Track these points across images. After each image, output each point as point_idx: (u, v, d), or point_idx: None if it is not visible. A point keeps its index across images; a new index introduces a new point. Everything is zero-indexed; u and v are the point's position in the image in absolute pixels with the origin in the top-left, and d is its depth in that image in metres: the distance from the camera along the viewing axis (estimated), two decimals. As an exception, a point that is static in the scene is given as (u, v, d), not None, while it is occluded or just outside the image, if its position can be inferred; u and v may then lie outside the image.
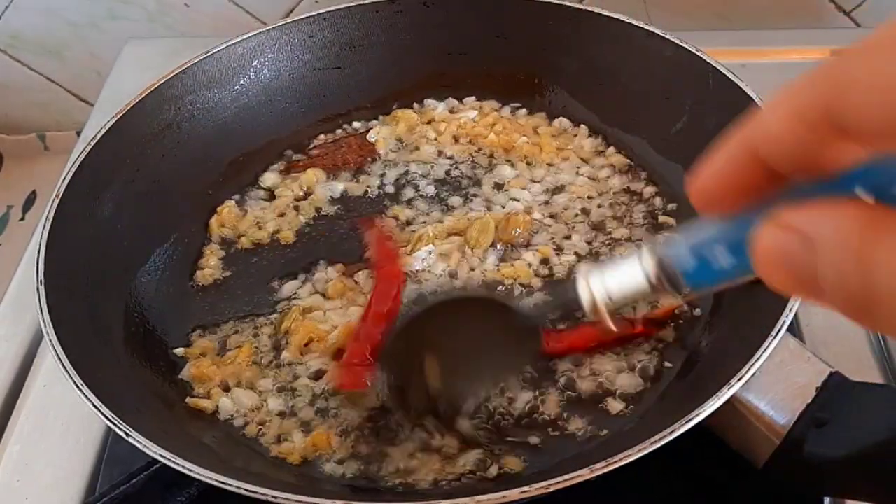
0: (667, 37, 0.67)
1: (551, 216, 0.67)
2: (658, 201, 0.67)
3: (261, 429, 0.55)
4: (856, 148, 0.22)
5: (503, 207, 0.68)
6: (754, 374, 0.46)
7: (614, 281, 0.32)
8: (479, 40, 0.75)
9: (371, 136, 0.75)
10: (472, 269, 0.63)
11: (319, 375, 0.57)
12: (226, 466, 0.47)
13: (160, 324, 0.62)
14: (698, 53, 0.65)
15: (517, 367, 0.52)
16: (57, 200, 0.59)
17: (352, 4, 0.75)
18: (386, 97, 0.77)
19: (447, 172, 0.71)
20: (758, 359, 0.46)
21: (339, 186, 0.71)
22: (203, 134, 0.71)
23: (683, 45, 0.66)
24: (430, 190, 0.70)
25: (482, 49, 0.76)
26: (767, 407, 0.48)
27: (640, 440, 0.44)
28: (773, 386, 0.48)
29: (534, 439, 0.53)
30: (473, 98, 0.77)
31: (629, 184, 0.69)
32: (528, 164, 0.71)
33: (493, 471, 0.51)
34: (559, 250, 0.64)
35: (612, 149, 0.72)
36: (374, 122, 0.76)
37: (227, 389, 0.57)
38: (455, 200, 0.69)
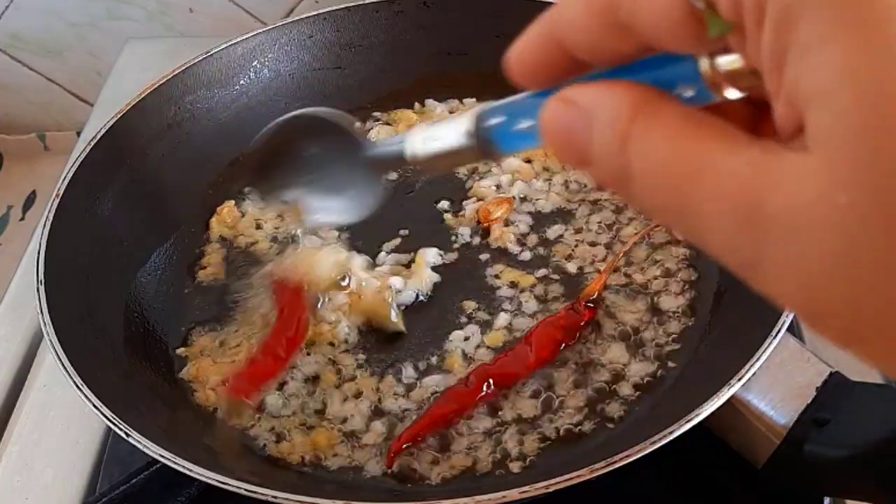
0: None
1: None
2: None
3: (261, 429, 0.55)
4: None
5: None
6: (754, 374, 0.46)
7: (436, 133, 0.34)
8: (479, 40, 0.75)
9: (371, 137, 0.75)
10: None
11: (318, 376, 0.57)
12: (225, 466, 0.47)
13: (160, 323, 0.62)
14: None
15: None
16: (57, 200, 0.59)
17: (352, 5, 0.75)
18: (386, 97, 0.77)
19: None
20: (758, 359, 0.46)
21: (339, 186, 0.71)
22: (203, 134, 0.71)
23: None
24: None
25: (482, 49, 0.75)
26: (767, 407, 0.48)
27: (639, 440, 0.44)
28: (773, 386, 0.48)
29: (535, 440, 0.53)
30: (473, 99, 0.77)
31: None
32: (528, 161, 0.71)
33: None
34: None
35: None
36: (374, 122, 0.76)
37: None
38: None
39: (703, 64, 0.22)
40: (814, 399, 0.48)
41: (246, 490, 0.43)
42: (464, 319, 0.60)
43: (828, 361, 0.49)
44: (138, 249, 0.64)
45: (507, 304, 0.60)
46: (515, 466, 0.52)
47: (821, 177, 0.18)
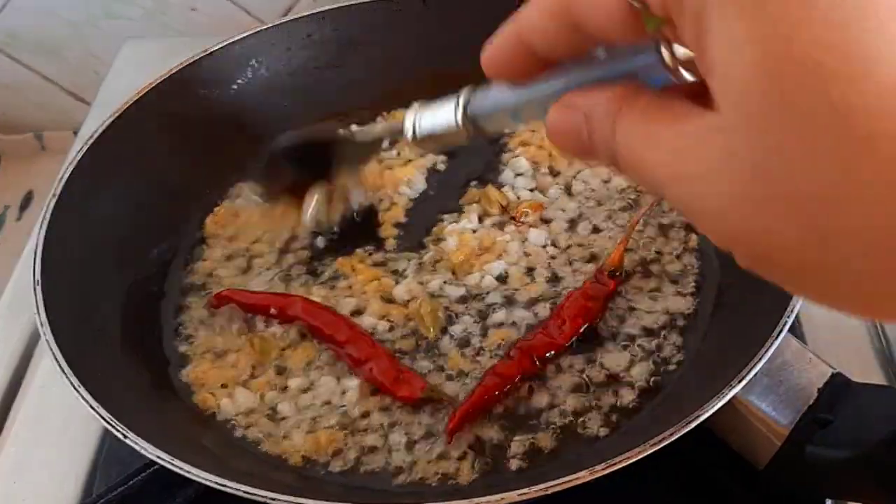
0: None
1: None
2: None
3: (260, 430, 0.55)
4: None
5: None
6: (756, 374, 0.46)
7: (432, 114, 0.38)
8: (479, 40, 0.75)
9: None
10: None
11: (316, 376, 0.57)
12: (224, 468, 0.47)
13: (158, 324, 0.61)
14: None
15: None
16: (54, 200, 0.59)
17: (351, 3, 0.75)
18: (385, 97, 0.76)
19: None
20: (759, 360, 0.46)
21: (338, 186, 0.71)
22: (201, 133, 0.70)
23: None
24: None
25: (481, 48, 0.75)
26: (769, 408, 0.48)
27: (640, 442, 0.43)
28: (774, 387, 0.48)
29: (535, 439, 0.53)
30: (473, 98, 0.76)
31: (631, 183, 0.68)
32: (534, 162, 0.71)
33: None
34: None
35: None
36: (374, 122, 0.76)
37: (226, 389, 0.57)
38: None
39: (665, 54, 0.27)
40: (815, 400, 0.47)
41: (244, 492, 0.43)
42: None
43: (830, 362, 0.49)
44: (136, 249, 0.64)
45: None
46: (514, 466, 0.52)
47: (722, 133, 0.23)
